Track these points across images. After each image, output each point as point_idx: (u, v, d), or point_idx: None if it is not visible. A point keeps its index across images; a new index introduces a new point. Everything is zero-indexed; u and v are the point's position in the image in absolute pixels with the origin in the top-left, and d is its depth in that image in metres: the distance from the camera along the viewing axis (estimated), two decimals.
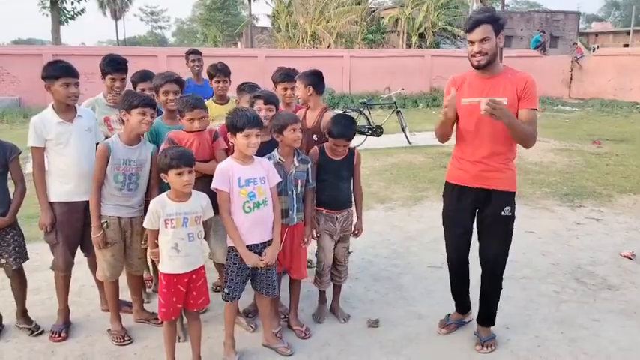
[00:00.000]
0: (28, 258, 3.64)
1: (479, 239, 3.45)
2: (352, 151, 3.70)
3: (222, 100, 4.61)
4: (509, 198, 3.30)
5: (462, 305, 3.74)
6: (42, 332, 3.58)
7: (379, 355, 3.40)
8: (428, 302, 4.11)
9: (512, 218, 3.34)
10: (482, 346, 3.47)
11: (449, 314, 3.78)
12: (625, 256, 5.03)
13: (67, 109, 3.45)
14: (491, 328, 3.57)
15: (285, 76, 4.22)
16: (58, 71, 3.36)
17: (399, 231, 5.79)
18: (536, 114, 3.17)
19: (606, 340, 3.57)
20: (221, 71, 4.46)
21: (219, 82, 4.45)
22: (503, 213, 3.29)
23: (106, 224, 3.40)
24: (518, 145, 3.28)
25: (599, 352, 3.42)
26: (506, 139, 3.20)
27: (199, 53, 5.85)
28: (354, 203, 3.80)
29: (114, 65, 4.01)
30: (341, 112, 4.22)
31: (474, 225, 3.48)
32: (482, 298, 3.54)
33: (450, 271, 3.71)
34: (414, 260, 4.99)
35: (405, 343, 3.54)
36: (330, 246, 3.72)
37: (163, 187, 3.27)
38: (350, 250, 3.94)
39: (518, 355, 3.40)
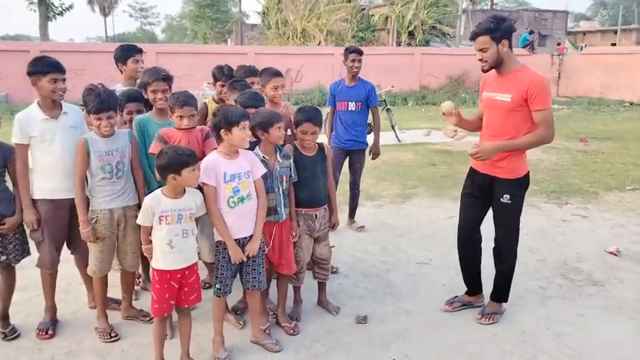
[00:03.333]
0: (29, 254, 3.58)
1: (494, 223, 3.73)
2: (321, 146, 3.74)
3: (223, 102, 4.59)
4: (509, 185, 3.52)
5: (471, 286, 3.93)
6: (17, 337, 3.51)
7: (367, 352, 3.42)
8: (416, 298, 4.14)
9: (512, 205, 3.55)
10: (482, 316, 3.73)
11: (456, 295, 3.98)
12: (610, 253, 5.09)
13: (52, 106, 3.42)
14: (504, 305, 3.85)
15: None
16: (47, 67, 3.33)
17: (388, 228, 5.81)
18: (546, 113, 3.37)
19: (591, 336, 3.61)
20: (227, 76, 4.44)
21: (223, 85, 4.41)
22: (502, 200, 3.54)
23: (95, 219, 3.39)
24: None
25: (584, 347, 3.46)
26: (514, 132, 3.43)
27: (361, 53, 5.48)
28: None
29: (135, 48, 4.44)
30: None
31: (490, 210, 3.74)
32: (497, 276, 3.80)
33: (458, 249, 3.92)
34: (402, 257, 5.01)
35: (393, 339, 3.56)
36: (309, 245, 3.75)
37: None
38: (332, 246, 3.96)
39: (504, 350, 3.44)
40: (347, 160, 5.65)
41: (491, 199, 3.62)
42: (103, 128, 3.29)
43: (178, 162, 2.91)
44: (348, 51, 5.50)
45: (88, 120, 3.83)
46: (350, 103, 5.50)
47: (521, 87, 3.34)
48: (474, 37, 3.44)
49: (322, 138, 4.32)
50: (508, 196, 3.51)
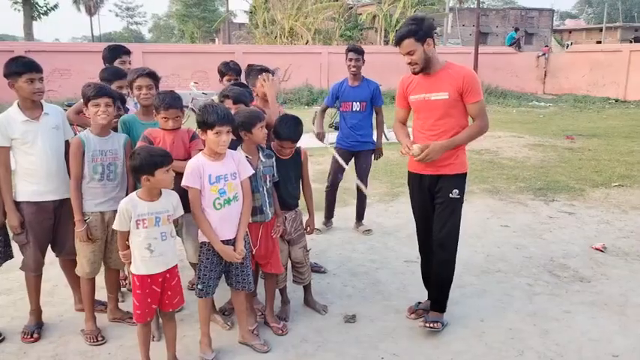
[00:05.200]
0: (12, 257, 3.54)
1: (433, 223, 3.60)
2: (298, 150, 3.69)
3: None
4: (457, 180, 3.51)
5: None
6: (1, 340, 3.45)
7: (356, 351, 3.41)
8: (404, 297, 4.14)
9: (459, 200, 3.53)
10: (425, 323, 3.57)
11: (419, 302, 3.88)
12: (596, 249, 5.13)
13: (32, 107, 3.37)
14: (446, 316, 3.67)
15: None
16: (22, 67, 3.27)
17: (376, 226, 5.81)
18: (481, 104, 3.43)
19: (577, 332, 3.63)
20: (233, 70, 4.42)
21: (230, 80, 4.36)
22: (451, 195, 3.50)
23: (86, 220, 3.35)
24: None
25: (571, 343, 3.48)
26: (458, 128, 3.44)
27: (359, 52, 5.35)
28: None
29: (122, 49, 4.64)
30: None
31: None
32: (433, 281, 3.67)
33: (420, 257, 3.87)
34: (390, 255, 5.02)
35: (382, 338, 3.56)
36: (283, 247, 3.73)
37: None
38: (308, 249, 3.93)
39: (492, 347, 3.45)
40: (353, 161, 5.59)
41: (435, 199, 3.56)
42: (100, 115, 3.27)
43: (151, 163, 2.87)
44: (347, 50, 5.44)
45: (72, 118, 3.80)
46: (354, 103, 5.40)
47: (455, 82, 3.35)
48: (398, 41, 3.36)
49: (309, 139, 4.31)
50: (457, 191, 3.50)
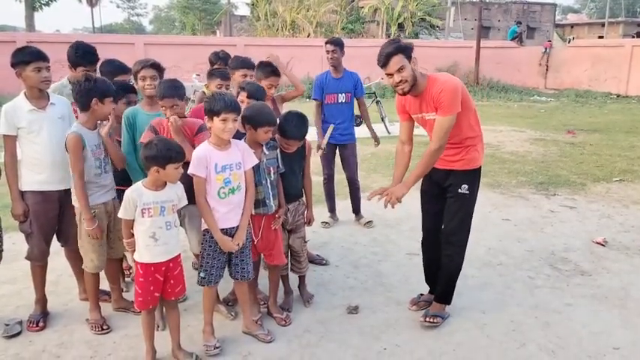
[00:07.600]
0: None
1: (443, 217, 3.61)
2: (303, 143, 3.69)
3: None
4: (467, 176, 3.47)
5: (434, 286, 3.86)
6: (19, 333, 3.45)
7: (358, 341, 3.44)
8: (406, 289, 4.17)
9: (469, 196, 3.49)
10: (425, 318, 3.59)
11: (421, 294, 3.92)
12: (597, 243, 5.15)
13: (39, 96, 3.38)
14: (447, 308, 3.71)
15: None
16: (29, 56, 3.28)
17: (378, 219, 5.83)
18: (443, 121, 3.23)
19: (578, 324, 3.66)
20: (222, 59, 4.45)
21: (219, 69, 4.38)
22: (460, 190, 3.47)
23: (93, 213, 3.36)
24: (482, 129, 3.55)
25: (572, 336, 3.51)
26: (459, 136, 3.38)
27: (336, 43, 5.37)
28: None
29: (88, 58, 3.82)
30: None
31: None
32: (440, 274, 3.69)
33: (422, 249, 3.88)
34: (392, 248, 5.04)
35: (384, 329, 3.59)
36: (283, 235, 3.74)
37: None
38: (306, 240, 3.96)
39: (493, 339, 3.48)
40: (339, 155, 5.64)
41: (445, 193, 3.54)
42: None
43: (166, 156, 2.89)
44: (325, 42, 5.53)
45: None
46: (339, 95, 5.44)
47: (435, 98, 3.24)
48: (386, 60, 3.19)
49: (312, 131, 4.32)
50: (466, 187, 3.45)
